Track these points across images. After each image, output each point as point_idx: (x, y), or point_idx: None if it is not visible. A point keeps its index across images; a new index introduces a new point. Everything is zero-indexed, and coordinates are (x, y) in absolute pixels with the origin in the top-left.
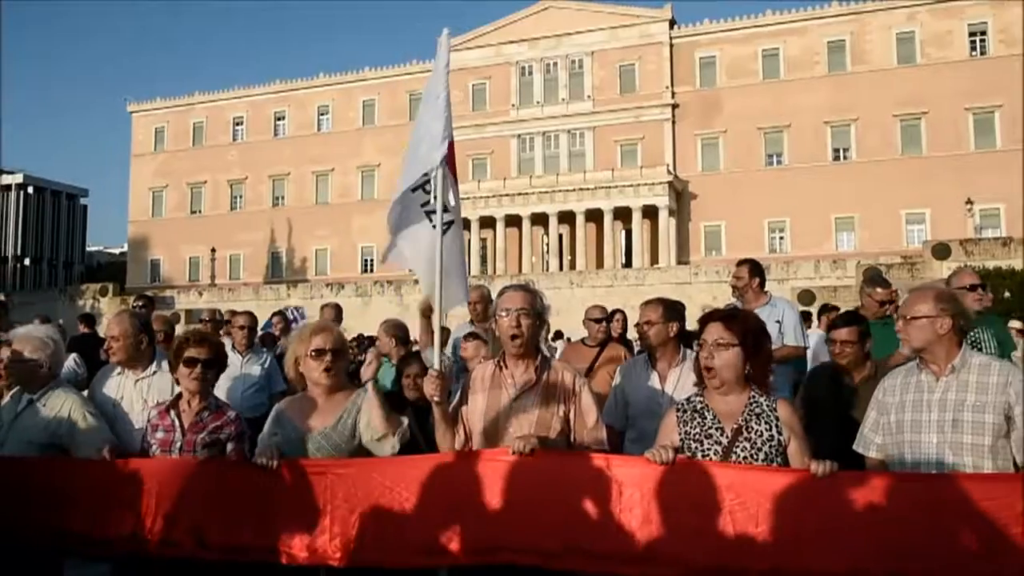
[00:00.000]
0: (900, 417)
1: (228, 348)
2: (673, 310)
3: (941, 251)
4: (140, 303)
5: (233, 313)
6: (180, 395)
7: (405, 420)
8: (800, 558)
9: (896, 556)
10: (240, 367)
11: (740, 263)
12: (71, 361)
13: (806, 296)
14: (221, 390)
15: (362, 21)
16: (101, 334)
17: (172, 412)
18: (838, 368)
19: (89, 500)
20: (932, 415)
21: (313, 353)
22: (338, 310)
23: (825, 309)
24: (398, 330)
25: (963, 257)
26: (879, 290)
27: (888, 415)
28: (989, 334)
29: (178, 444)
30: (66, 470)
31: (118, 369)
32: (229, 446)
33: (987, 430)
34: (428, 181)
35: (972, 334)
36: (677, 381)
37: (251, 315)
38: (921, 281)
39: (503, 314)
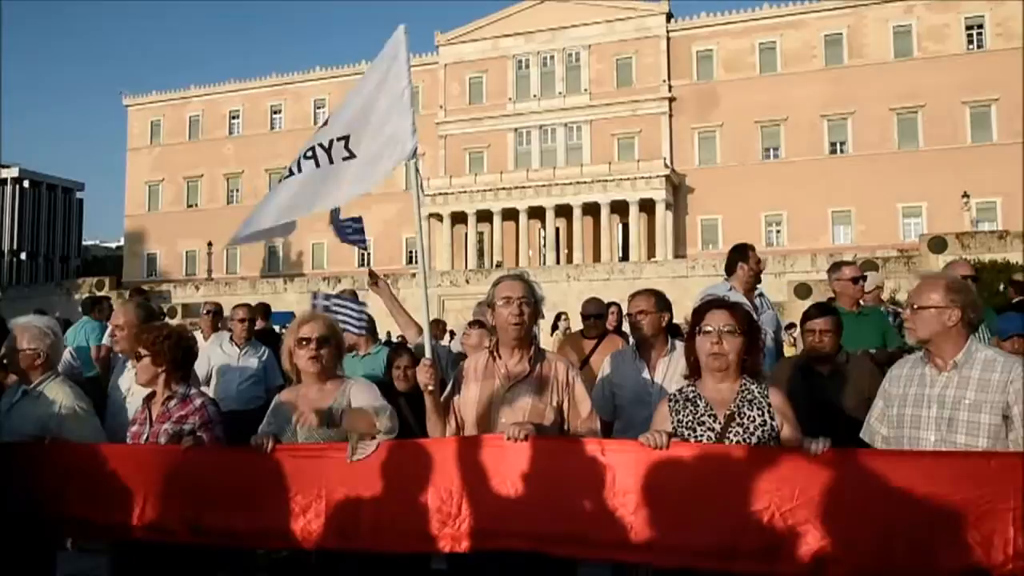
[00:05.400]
0: (902, 411)
1: (225, 341)
2: (664, 300)
3: (937, 244)
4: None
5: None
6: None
7: (383, 425)
8: (794, 536)
9: (885, 532)
10: (237, 359)
11: (750, 249)
12: (67, 354)
13: (803, 290)
14: (215, 382)
15: (358, 14)
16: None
17: (147, 406)
18: (807, 359)
19: (83, 487)
20: (931, 411)
21: (299, 342)
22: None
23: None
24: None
25: (959, 250)
26: (846, 270)
27: (892, 407)
28: (982, 326)
29: (144, 436)
30: (60, 457)
31: (130, 360)
32: (199, 435)
33: (982, 431)
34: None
35: None
36: (666, 371)
37: (249, 307)
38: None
39: (502, 303)
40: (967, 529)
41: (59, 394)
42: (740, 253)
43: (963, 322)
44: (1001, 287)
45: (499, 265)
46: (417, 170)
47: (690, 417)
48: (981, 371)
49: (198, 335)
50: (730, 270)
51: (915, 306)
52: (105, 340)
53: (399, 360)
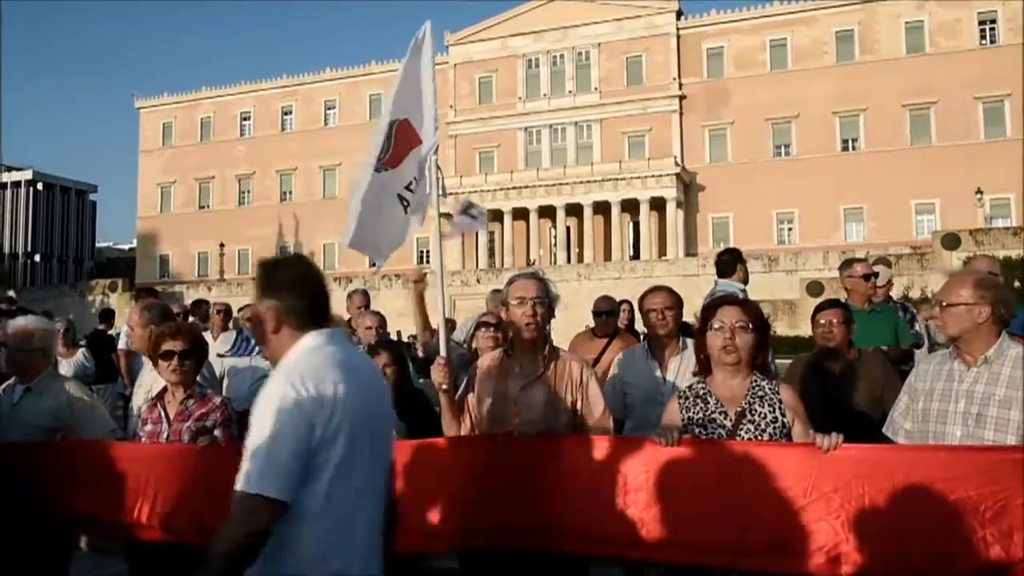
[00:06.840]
0: (927, 406)
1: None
2: (679, 297)
3: (951, 241)
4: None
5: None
6: (166, 387)
7: None
8: (805, 533)
9: (898, 527)
10: (251, 359)
11: (739, 253)
12: (80, 355)
13: (815, 287)
14: (226, 382)
15: (368, 15)
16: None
17: (159, 405)
18: (821, 355)
19: (93, 485)
20: (959, 406)
21: None
22: (365, 296)
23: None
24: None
25: (973, 247)
26: (857, 266)
27: (918, 402)
28: None
29: (165, 435)
30: (71, 454)
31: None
32: (217, 432)
33: (1011, 428)
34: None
35: None
36: (678, 369)
37: None
38: (931, 270)
39: (516, 303)
40: (983, 524)
41: (66, 386)
42: (737, 255)
43: (993, 318)
44: (1015, 284)
45: (532, 263)
46: (439, 167)
47: (700, 415)
48: (1012, 367)
49: (207, 335)
50: (728, 271)
51: (944, 303)
52: (122, 344)
53: (377, 359)
